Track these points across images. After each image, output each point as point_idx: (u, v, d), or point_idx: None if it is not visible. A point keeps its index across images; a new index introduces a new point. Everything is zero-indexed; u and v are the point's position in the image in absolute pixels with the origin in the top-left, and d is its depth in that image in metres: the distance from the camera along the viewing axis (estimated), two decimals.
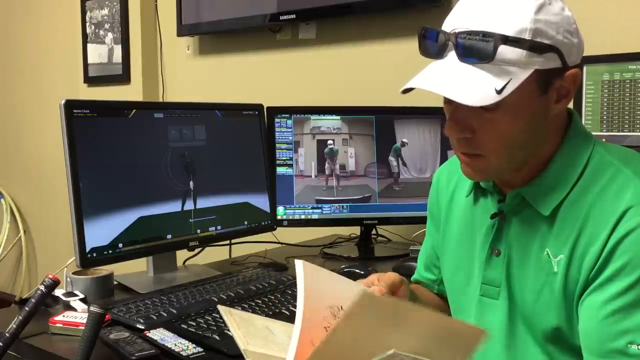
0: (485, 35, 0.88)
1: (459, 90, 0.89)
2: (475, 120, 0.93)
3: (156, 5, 2.96)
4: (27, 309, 1.14)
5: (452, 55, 0.92)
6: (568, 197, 0.95)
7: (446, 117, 0.98)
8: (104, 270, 1.51)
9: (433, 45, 0.95)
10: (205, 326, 1.22)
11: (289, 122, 1.95)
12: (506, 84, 0.88)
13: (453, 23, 0.93)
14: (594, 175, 0.95)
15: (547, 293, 0.96)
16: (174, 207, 1.60)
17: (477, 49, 0.89)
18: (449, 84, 0.91)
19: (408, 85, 0.94)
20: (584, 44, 0.96)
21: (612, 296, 0.88)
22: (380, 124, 1.97)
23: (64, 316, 1.26)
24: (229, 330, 1.18)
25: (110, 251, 1.47)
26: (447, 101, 0.96)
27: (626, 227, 0.88)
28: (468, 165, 0.99)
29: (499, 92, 0.88)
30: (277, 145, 1.94)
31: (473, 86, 0.89)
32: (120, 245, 1.49)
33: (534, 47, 0.88)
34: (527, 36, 0.88)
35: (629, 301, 0.86)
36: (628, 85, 1.71)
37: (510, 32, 0.88)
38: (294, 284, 1.47)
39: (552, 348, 0.97)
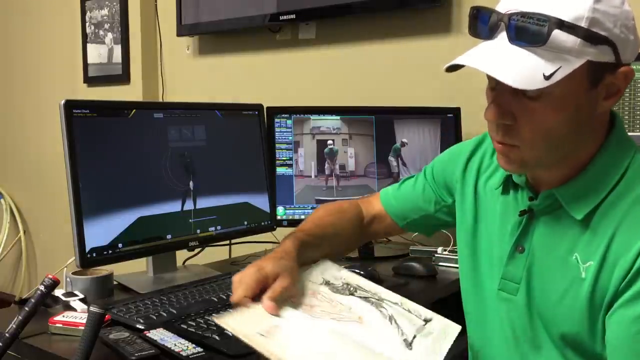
0: (540, 18, 0.85)
1: (505, 71, 0.86)
2: (517, 107, 0.91)
3: (156, 5, 2.96)
4: (26, 309, 1.14)
5: (502, 36, 0.89)
6: (603, 202, 0.93)
7: (487, 101, 0.95)
8: (104, 270, 1.51)
9: (484, 26, 0.91)
10: (205, 326, 1.22)
11: (289, 122, 1.95)
12: (556, 70, 0.85)
13: (506, 4, 0.90)
14: (632, 183, 0.92)
15: (572, 298, 0.94)
16: (173, 207, 1.60)
17: (530, 32, 0.86)
18: (496, 64, 0.88)
19: (454, 62, 0.91)
20: (639, 43, 0.93)
21: None
22: (380, 124, 1.97)
23: (63, 316, 1.26)
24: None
25: (110, 251, 1.47)
26: (491, 85, 0.93)
27: None
28: (504, 155, 0.97)
29: (547, 77, 0.85)
30: (277, 145, 1.94)
31: (521, 69, 0.86)
32: (120, 245, 1.49)
33: (589, 36, 0.85)
34: (583, 24, 0.85)
35: None
36: (628, 85, 1.71)
37: (566, 17, 0.85)
38: None
39: (570, 352, 0.96)
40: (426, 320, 0.97)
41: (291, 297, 1.00)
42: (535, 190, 1.02)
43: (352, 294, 1.03)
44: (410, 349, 0.93)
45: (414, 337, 0.95)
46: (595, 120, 0.94)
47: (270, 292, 0.97)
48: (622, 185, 0.93)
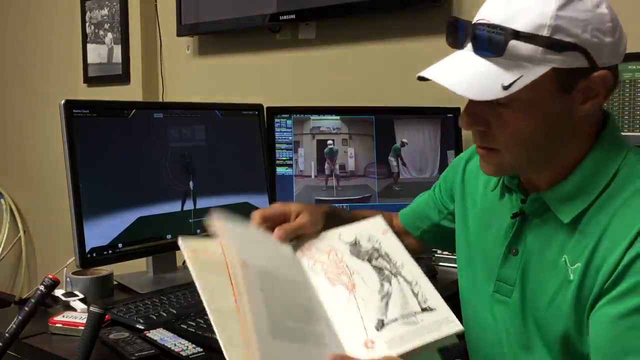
0: (500, 28, 0.86)
1: (464, 82, 0.88)
2: (490, 114, 0.92)
3: (156, 5, 2.96)
4: (26, 309, 1.14)
5: (469, 46, 0.91)
6: (592, 206, 0.92)
7: None
8: (104, 270, 1.51)
9: (456, 36, 0.94)
10: (205, 326, 1.22)
11: (289, 122, 1.95)
12: (516, 80, 0.86)
13: (479, 14, 0.92)
14: (621, 186, 0.91)
15: (561, 299, 0.94)
16: (173, 207, 1.60)
17: (489, 42, 0.87)
18: (457, 76, 0.90)
19: (420, 74, 0.94)
20: (624, 44, 0.91)
21: (625, 312, 0.85)
22: (380, 124, 1.97)
23: (63, 316, 1.26)
24: None
25: (110, 251, 1.47)
26: None
27: None
28: (484, 160, 0.99)
29: (505, 87, 0.86)
30: (277, 145, 1.94)
31: (480, 79, 0.88)
32: (120, 245, 1.49)
33: (551, 44, 0.85)
34: (545, 33, 0.85)
35: None
36: (628, 85, 1.71)
37: (526, 27, 0.86)
38: None
39: (561, 355, 0.96)
40: (425, 309, 0.95)
41: (305, 235, 1.06)
42: (528, 193, 1.02)
43: (369, 261, 1.03)
44: (379, 330, 0.92)
45: (394, 320, 0.93)
46: (579, 123, 0.93)
47: (286, 224, 1.05)
48: (612, 188, 0.92)
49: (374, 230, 1.08)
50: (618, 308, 0.86)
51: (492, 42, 0.87)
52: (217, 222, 0.97)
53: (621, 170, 0.93)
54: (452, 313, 0.94)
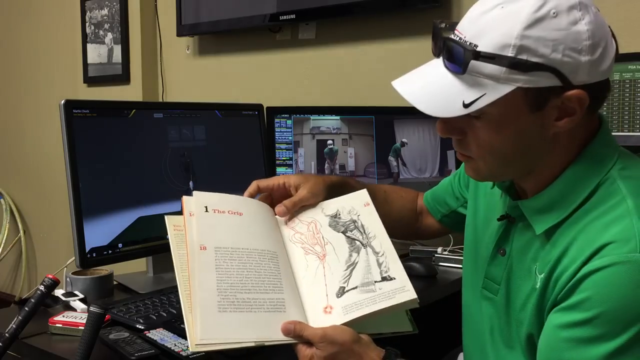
0: (463, 47, 0.86)
1: (426, 97, 0.89)
2: (465, 123, 0.92)
3: (156, 5, 2.96)
4: (26, 309, 1.14)
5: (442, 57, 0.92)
6: (567, 220, 0.91)
7: None
8: (104, 270, 1.51)
9: (434, 45, 0.94)
10: None
11: (289, 122, 1.95)
12: (477, 98, 0.86)
13: (459, 25, 0.92)
14: (598, 202, 0.90)
15: (529, 305, 0.95)
16: (173, 207, 1.60)
17: (454, 59, 0.87)
18: (421, 87, 0.91)
19: (393, 82, 0.96)
20: (608, 60, 0.88)
21: (567, 324, 0.86)
22: (380, 124, 1.97)
23: (63, 316, 1.26)
24: None
25: (110, 251, 1.47)
26: None
27: (599, 263, 0.84)
28: (466, 165, 1.00)
29: (466, 105, 0.86)
30: (277, 145, 1.94)
31: (443, 94, 0.88)
32: (120, 245, 1.49)
33: (516, 64, 0.83)
34: (509, 53, 0.83)
35: (578, 335, 0.84)
36: (628, 85, 1.71)
37: (489, 47, 0.84)
38: None
39: (533, 357, 0.96)
40: (384, 278, 0.99)
41: (306, 207, 1.11)
42: (519, 195, 1.03)
43: (344, 232, 1.08)
44: (339, 297, 0.97)
45: (354, 288, 0.98)
46: (558, 138, 0.91)
47: (287, 200, 1.10)
48: (589, 204, 0.90)
49: (356, 203, 1.13)
50: (562, 318, 0.87)
51: (456, 59, 0.87)
52: (190, 205, 1.03)
53: (601, 187, 0.91)
54: (409, 282, 0.99)
